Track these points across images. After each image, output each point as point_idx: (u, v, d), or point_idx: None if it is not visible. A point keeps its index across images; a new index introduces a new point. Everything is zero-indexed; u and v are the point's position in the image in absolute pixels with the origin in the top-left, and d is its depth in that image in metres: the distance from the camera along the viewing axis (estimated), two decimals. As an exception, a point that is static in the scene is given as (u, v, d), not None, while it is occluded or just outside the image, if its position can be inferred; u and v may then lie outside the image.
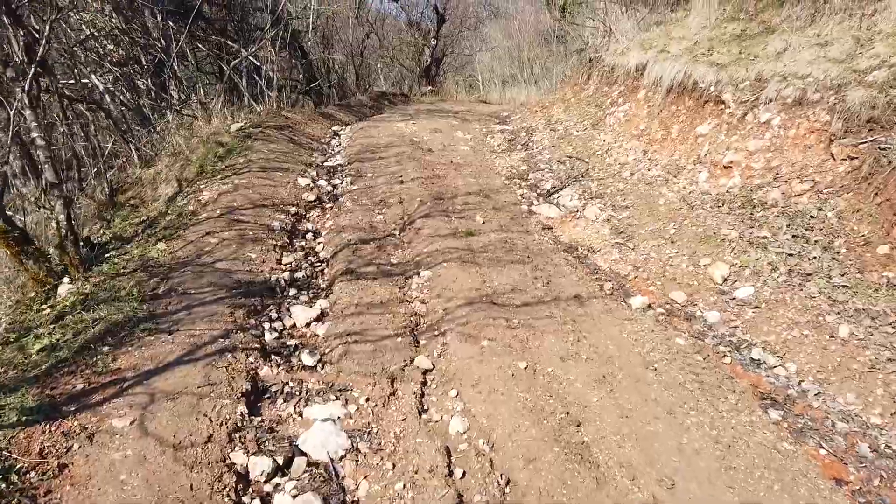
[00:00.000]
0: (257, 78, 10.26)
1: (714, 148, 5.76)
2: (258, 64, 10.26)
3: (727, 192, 5.25)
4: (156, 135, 7.69)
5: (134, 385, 3.08)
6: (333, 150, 8.70)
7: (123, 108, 8.25)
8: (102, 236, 4.95)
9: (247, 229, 5.15)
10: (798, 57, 5.45)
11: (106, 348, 3.36)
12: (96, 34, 8.32)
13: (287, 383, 3.41)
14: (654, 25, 9.71)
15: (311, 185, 6.70)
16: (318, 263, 5.04)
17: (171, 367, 3.25)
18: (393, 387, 3.33)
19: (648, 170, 6.24)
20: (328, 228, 5.70)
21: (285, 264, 4.87)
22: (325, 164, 7.75)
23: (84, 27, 8.27)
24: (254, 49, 10.05)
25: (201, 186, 5.81)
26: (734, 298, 4.17)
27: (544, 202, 6.18)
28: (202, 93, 9.12)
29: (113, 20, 8.62)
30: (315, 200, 6.31)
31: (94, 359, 3.25)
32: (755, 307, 4.03)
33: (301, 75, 14.25)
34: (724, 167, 5.52)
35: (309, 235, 5.62)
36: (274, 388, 3.35)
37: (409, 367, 3.51)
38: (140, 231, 5.05)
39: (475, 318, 3.89)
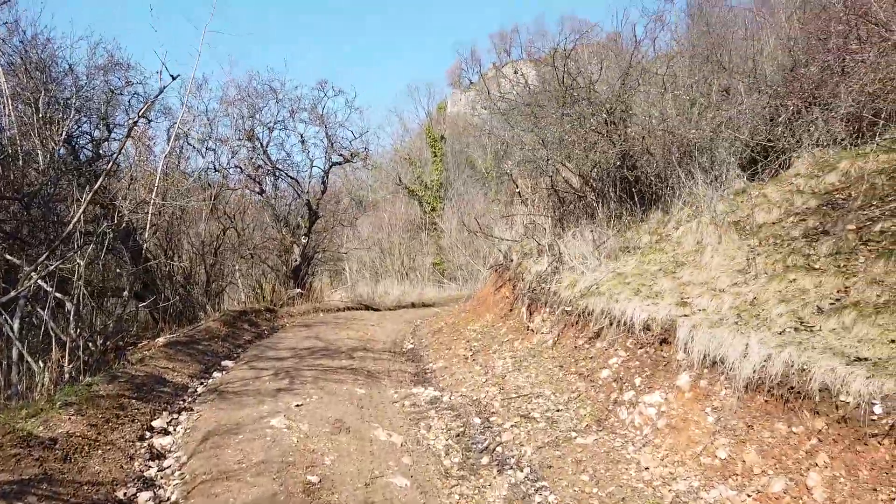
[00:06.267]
0: (44, 314, 6.05)
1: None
2: (48, 289, 6.17)
3: None
4: None
5: None
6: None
7: None
8: None
9: None
10: None
11: None
12: None
13: None
14: (620, 252, 8.12)
15: None
16: None
17: None
18: None
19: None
20: None
21: None
22: None
23: None
24: (45, 266, 6.04)
25: None
26: None
27: None
28: None
29: None
30: None
31: None
32: None
33: (128, 287, 10.08)
34: None
35: None
36: None
37: None
38: None
39: None
